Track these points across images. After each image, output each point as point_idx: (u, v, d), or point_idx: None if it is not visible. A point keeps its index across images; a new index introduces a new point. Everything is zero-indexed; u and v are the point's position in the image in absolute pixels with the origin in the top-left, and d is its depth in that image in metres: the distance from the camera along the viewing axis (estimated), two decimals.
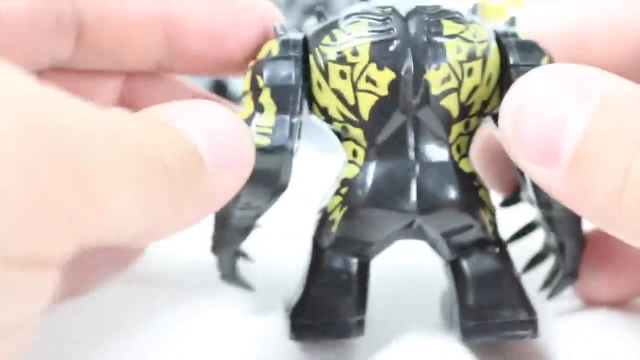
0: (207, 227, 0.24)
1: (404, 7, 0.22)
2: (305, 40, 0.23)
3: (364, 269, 0.24)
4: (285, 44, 0.22)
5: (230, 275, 0.26)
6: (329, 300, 0.23)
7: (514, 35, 0.23)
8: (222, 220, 0.25)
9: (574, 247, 0.24)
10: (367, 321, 0.24)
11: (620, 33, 0.23)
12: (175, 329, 0.25)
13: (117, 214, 0.15)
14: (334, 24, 0.22)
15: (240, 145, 0.19)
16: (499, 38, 0.23)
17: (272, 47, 0.22)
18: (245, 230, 0.25)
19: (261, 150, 0.21)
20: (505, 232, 0.24)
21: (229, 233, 0.25)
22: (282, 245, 0.30)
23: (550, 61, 0.22)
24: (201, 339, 0.24)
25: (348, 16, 0.22)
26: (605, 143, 0.17)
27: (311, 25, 0.23)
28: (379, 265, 0.24)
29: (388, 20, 0.21)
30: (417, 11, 0.22)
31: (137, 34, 0.23)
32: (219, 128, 0.19)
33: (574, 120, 0.18)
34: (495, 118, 0.23)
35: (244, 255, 0.27)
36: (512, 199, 0.27)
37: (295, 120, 0.21)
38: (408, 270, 0.27)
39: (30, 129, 0.14)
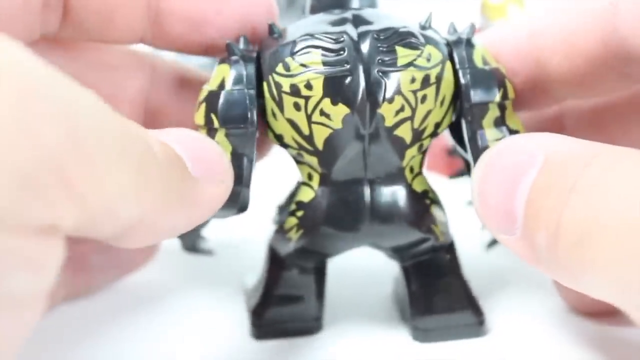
0: None
1: (359, 29, 0.22)
2: (259, 57, 0.22)
3: (321, 269, 0.25)
4: (238, 77, 0.22)
5: (191, 247, 0.28)
6: (288, 301, 0.25)
7: (469, 44, 0.23)
8: None
9: None
10: (325, 317, 0.25)
11: (574, 44, 0.23)
12: (135, 326, 0.26)
13: (113, 188, 0.15)
14: (288, 50, 0.22)
15: (217, 159, 0.20)
16: (452, 52, 0.22)
17: (225, 74, 0.22)
18: (204, 224, 0.26)
19: None
20: None
21: None
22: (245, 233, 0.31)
23: (505, 91, 0.22)
24: (163, 337, 0.25)
25: (301, 40, 0.21)
26: (542, 201, 0.18)
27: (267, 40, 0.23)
28: (337, 261, 0.26)
29: (342, 52, 0.21)
30: (370, 34, 0.21)
31: (121, 12, 0.23)
32: (196, 143, 0.20)
33: (522, 187, 0.19)
34: (452, 129, 0.23)
35: (202, 238, 0.28)
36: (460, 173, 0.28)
37: (250, 158, 0.22)
38: (366, 265, 0.28)
39: (31, 94, 0.14)
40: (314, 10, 0.24)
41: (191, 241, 0.28)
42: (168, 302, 0.27)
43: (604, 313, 0.25)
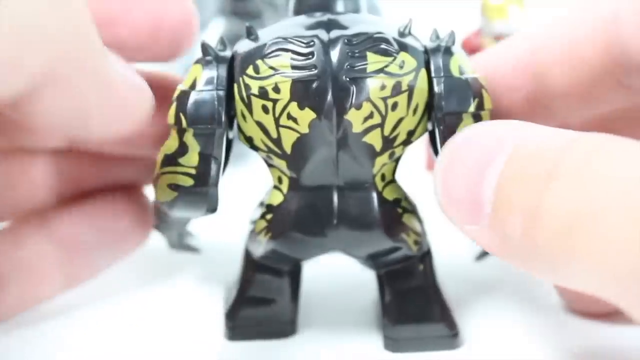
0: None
1: (332, 33, 0.22)
2: (232, 59, 0.22)
3: (296, 272, 0.25)
4: (209, 78, 0.22)
5: (177, 244, 0.28)
6: (263, 303, 0.25)
7: (447, 52, 0.22)
8: (161, 216, 0.25)
9: None
10: (306, 321, 0.25)
11: (576, 55, 0.22)
12: (112, 323, 0.26)
13: (13, 36, 0.15)
14: (259, 52, 0.22)
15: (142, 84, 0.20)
16: (429, 60, 0.22)
17: (197, 74, 0.22)
18: (185, 222, 0.26)
19: (186, 189, 0.21)
20: None
21: (169, 224, 0.26)
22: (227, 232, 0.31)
23: (481, 102, 0.22)
24: (139, 336, 0.25)
25: (273, 42, 0.21)
26: (515, 187, 0.17)
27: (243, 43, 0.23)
28: (313, 265, 0.25)
29: (310, 56, 0.21)
30: (341, 39, 0.21)
31: None
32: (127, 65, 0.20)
33: (490, 174, 0.18)
34: (431, 139, 0.23)
35: (189, 235, 0.28)
36: None
37: (219, 158, 0.22)
38: (342, 270, 0.27)
39: None
40: (297, 12, 0.24)
41: (177, 238, 0.28)
42: (150, 300, 0.28)
43: (610, 315, 0.25)
